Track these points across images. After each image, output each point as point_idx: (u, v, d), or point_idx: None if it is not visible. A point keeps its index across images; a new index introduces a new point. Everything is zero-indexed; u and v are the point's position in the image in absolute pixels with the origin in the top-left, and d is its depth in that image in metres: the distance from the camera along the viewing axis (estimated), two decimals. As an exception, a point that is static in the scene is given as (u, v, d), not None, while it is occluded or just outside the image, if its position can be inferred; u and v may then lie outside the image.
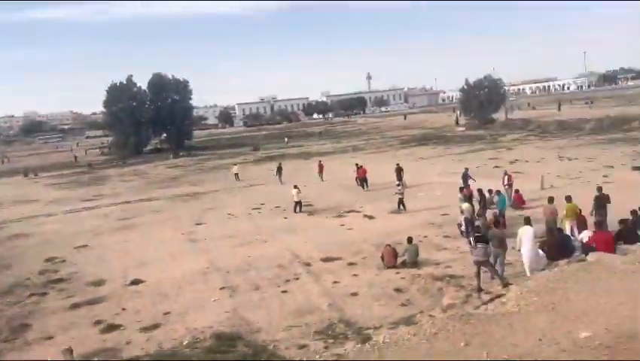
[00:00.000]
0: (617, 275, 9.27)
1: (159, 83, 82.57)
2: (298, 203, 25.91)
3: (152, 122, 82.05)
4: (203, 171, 51.87)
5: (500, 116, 69.99)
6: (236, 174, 41.51)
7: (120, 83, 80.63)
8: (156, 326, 12.88)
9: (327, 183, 33.85)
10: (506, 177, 23.21)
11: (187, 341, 11.74)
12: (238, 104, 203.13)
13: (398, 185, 24.32)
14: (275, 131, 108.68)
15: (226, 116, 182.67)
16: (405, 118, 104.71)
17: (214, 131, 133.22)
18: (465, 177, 24.60)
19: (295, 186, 26.54)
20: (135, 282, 16.79)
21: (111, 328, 13.11)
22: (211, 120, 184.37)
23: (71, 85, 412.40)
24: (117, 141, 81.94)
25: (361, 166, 31.15)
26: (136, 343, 12.02)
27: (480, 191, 20.52)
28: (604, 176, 26.73)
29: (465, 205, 18.50)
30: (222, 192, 35.62)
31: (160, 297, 15.19)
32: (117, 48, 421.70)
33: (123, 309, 14.44)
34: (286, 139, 78.06)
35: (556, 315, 7.64)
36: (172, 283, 16.30)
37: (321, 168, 36.90)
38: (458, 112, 79.68)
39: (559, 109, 78.15)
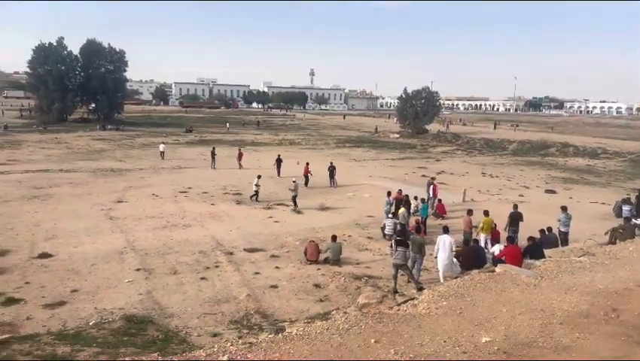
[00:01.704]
0: (520, 287, 9.86)
1: (93, 49, 78.12)
2: (257, 193, 25.25)
3: (80, 90, 77.75)
4: (131, 147, 49.78)
5: (432, 127, 72.89)
6: (162, 153, 41.02)
7: (50, 44, 75.49)
8: (61, 304, 12.22)
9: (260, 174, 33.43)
10: (431, 187, 24.19)
11: (93, 322, 11.23)
12: (175, 82, 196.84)
13: (294, 181, 24.60)
14: (211, 115, 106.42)
15: (161, 94, 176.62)
16: (344, 118, 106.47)
17: (147, 108, 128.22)
18: (429, 185, 24.91)
19: (258, 176, 26.06)
20: (43, 255, 15.83)
21: (11, 301, 12.29)
22: (146, 96, 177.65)
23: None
24: (40, 105, 76.67)
25: (307, 163, 31.02)
26: (38, 319, 11.34)
27: (405, 198, 21.26)
28: (520, 195, 28.61)
29: (402, 210, 18.96)
30: (149, 172, 34.37)
31: (69, 273, 14.43)
32: (50, 7, 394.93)
33: (27, 283, 13.57)
34: (227, 125, 76.80)
35: (462, 319, 8.02)
36: (84, 260, 15.53)
37: (240, 155, 37.14)
38: (395, 119, 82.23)
39: (495, 128, 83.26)
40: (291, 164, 35.71)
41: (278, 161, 33.58)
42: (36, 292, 12.92)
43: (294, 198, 24.07)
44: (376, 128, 76.14)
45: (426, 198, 23.50)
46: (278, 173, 32.83)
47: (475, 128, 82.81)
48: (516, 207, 18.79)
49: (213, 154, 37.35)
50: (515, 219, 17.72)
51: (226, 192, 27.23)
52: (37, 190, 26.49)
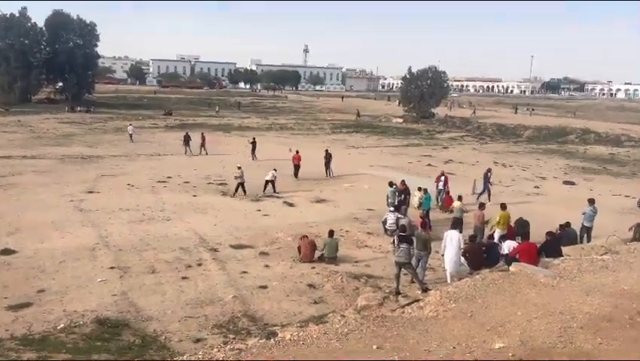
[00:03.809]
0: (537, 288, 9.93)
1: (59, 21, 77.24)
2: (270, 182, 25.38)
3: (46, 67, 76.91)
4: (104, 131, 49.47)
5: (441, 110, 72.80)
6: (131, 135, 42.05)
7: (11, 15, 74.54)
8: (26, 305, 12.18)
9: (247, 163, 33.32)
10: (442, 178, 24.13)
11: (62, 325, 11.20)
12: (153, 59, 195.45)
13: (239, 167, 25.04)
14: (193, 96, 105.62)
15: (137, 72, 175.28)
16: (342, 100, 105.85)
17: (122, 88, 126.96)
18: (486, 178, 24.79)
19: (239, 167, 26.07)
20: (6, 252, 15.73)
21: (-30, 303, 12.22)
22: (120, 74, 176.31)
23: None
24: (1, 84, 75.87)
25: (297, 151, 30.82)
26: (0, 323, 11.27)
27: (405, 187, 21.34)
28: (536, 187, 28.74)
29: (457, 203, 18.85)
30: (123, 159, 34.21)
31: (36, 272, 14.36)
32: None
33: (-12, 282, 13.49)
34: (217, 108, 75.91)
35: (473, 323, 8.07)
36: (51, 257, 15.44)
37: (203, 140, 37.15)
38: (397, 101, 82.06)
39: (516, 112, 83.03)
40: (282, 151, 35.80)
41: (253, 144, 35.07)
42: (-2, 293, 12.83)
43: (239, 186, 24.39)
44: (358, 113, 72.70)
45: (482, 189, 24.31)
46: (253, 157, 34.28)
47: (487, 113, 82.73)
48: (522, 221, 17.71)
49: (187, 139, 37.23)
50: (522, 227, 17.08)
51: (209, 182, 27.18)
52: (-2, 179, 26.32)
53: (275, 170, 25.83)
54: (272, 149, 38.26)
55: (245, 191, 24.47)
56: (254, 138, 36.33)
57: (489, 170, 25.86)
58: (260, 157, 34.92)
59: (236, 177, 24.80)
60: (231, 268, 15.13)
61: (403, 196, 20.92)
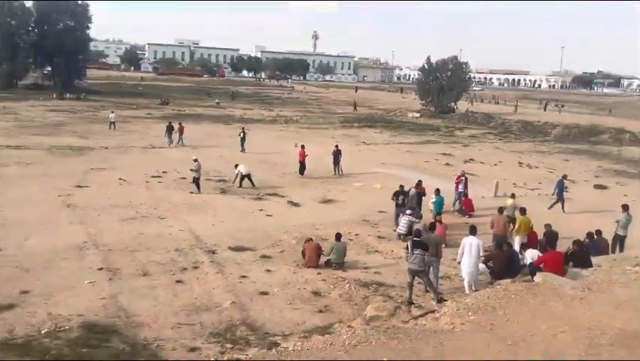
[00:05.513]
0: (563, 300, 9.91)
1: (49, 1, 77.57)
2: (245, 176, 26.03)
3: (34, 50, 77.25)
4: (95, 121, 49.66)
5: (462, 106, 72.49)
6: (113, 123, 43.25)
7: (-3, -7, 75.03)
8: (9, 307, 12.24)
9: (249, 158, 33.51)
10: (463, 179, 23.87)
11: (47, 330, 11.25)
12: (149, 44, 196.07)
13: (195, 160, 25.35)
14: (192, 84, 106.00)
15: (132, 57, 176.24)
16: (356, 91, 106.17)
17: (114, 74, 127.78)
18: (561, 186, 24.24)
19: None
20: (-13, 249, 15.77)
21: (-52, 304, 12.30)
22: (113, 59, 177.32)
23: None
24: (-16, 68, 76.40)
25: (302, 146, 30.47)
26: (-20, 325, 11.33)
27: (401, 187, 21.49)
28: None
29: (510, 201, 19.35)
30: (115, 151, 34.36)
31: (18, 271, 14.44)
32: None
33: (-33, 281, 13.57)
34: (217, 100, 74.42)
35: (493, 337, 8.07)
36: (36, 256, 15.53)
37: (181, 130, 38.26)
38: (414, 94, 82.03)
39: (545, 109, 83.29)
40: (286, 146, 36.43)
41: (242, 135, 36.52)
42: (-22, 293, 12.87)
43: (195, 181, 24.84)
44: (355, 105, 74.32)
45: (556, 198, 23.92)
46: (242, 149, 35.68)
47: (510, 109, 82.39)
48: (549, 226, 17.44)
49: (170, 129, 38.02)
50: (552, 239, 16.51)
51: (208, 178, 27.08)
52: (-21, 171, 26.51)
53: (237, 165, 26.45)
54: (274, 143, 39.28)
55: (199, 188, 24.68)
56: (243, 129, 37.69)
57: (565, 176, 25.37)
58: (254, 150, 35.30)
59: (192, 171, 25.14)
60: (230, 271, 15.17)
61: (403, 199, 21.04)
